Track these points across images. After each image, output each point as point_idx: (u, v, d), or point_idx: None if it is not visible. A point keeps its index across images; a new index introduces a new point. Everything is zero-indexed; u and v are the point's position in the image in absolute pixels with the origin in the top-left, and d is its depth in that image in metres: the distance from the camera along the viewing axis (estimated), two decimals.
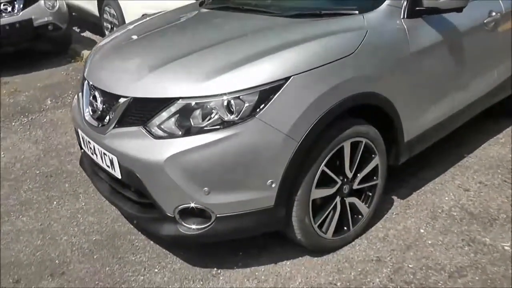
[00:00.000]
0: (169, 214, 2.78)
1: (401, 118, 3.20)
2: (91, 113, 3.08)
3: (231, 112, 2.61)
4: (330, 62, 2.78)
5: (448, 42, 3.43)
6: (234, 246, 3.24)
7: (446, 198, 3.63)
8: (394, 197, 3.67)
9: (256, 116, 2.60)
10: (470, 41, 3.63)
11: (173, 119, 2.65)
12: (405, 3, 3.19)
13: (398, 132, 3.24)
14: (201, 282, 3.03)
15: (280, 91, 2.63)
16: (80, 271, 3.22)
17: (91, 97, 3.09)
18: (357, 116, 3.02)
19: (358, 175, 3.14)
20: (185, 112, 2.65)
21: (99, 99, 3.00)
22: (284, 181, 2.72)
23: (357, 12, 3.16)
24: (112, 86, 2.95)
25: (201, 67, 2.79)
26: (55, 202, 3.96)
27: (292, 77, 2.66)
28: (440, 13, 3.21)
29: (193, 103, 2.63)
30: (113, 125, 2.84)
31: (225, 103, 2.61)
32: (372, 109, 3.07)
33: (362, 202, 3.25)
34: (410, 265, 3.04)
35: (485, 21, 3.72)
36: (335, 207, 3.07)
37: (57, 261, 3.35)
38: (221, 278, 3.04)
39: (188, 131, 2.64)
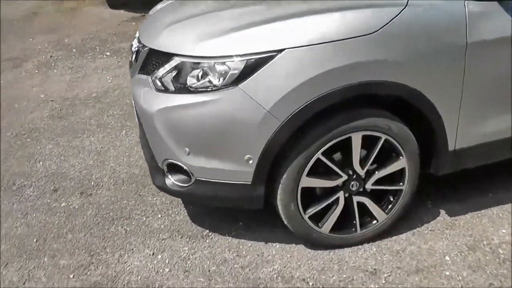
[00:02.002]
0: (160, 166, 2.79)
1: (444, 122, 2.71)
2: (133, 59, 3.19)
3: (220, 78, 2.48)
4: (338, 40, 2.43)
5: None
6: (241, 214, 3.19)
7: (503, 231, 3.04)
8: (442, 212, 3.18)
9: (239, 86, 2.44)
10: None
11: (170, 75, 2.63)
12: None
13: (438, 137, 2.76)
14: (187, 240, 3.03)
15: (269, 63, 2.42)
16: (103, 197, 3.44)
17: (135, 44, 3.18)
18: (386, 109, 2.69)
19: (374, 174, 2.75)
20: (179, 70, 2.60)
21: (135, 46, 3.08)
22: (263, 159, 2.54)
23: None
24: (143, 36, 3.03)
25: (199, 29, 2.70)
26: (124, 131, 4.22)
27: (285, 50, 2.41)
28: None
29: (186, 62, 2.57)
30: (137, 71, 2.91)
31: (214, 67, 2.48)
32: (406, 104, 2.65)
33: (381, 206, 2.88)
34: None
35: None
36: (336, 202, 2.76)
37: (93, 183, 3.61)
38: (207, 241, 3.00)
39: (179, 89, 2.60)
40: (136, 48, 3.01)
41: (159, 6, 3.54)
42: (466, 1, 2.58)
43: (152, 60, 2.79)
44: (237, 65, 2.44)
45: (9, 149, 4.09)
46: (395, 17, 2.48)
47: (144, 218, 3.23)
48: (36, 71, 5.59)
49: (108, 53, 5.86)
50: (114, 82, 5.18)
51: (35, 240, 3.10)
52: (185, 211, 3.26)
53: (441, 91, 2.65)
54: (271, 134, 2.47)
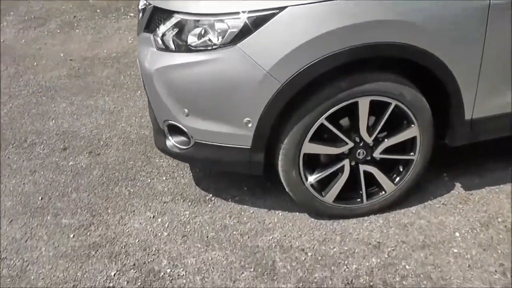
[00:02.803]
0: (161, 127, 2.72)
1: (460, 89, 2.54)
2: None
3: (219, 36, 2.37)
4: None
5: None
6: (247, 179, 3.10)
7: None
8: (458, 185, 3.03)
9: (237, 45, 2.32)
10: None
11: (171, 33, 2.53)
12: None
13: (453, 105, 2.59)
14: (189, 203, 2.98)
15: (270, 21, 2.29)
16: (111, 157, 3.42)
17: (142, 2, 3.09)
18: (399, 73, 2.54)
19: (383, 142, 2.61)
20: (181, 28, 2.50)
21: (142, 3, 2.99)
22: (262, 123, 2.44)
23: None
24: None
25: None
26: (139, 92, 4.16)
27: (288, 8, 2.27)
28: None
29: (186, 19, 2.47)
30: (142, 29, 2.82)
31: (213, 25, 2.37)
32: (419, 68, 2.49)
33: (390, 176, 2.75)
34: (408, 266, 2.54)
35: None
36: (341, 171, 2.64)
37: (102, 142, 3.58)
38: (209, 206, 2.94)
39: (179, 47, 2.50)
40: (143, 6, 2.91)
41: None
42: None
43: (155, 18, 2.69)
44: (236, 23, 2.32)
45: (25, 106, 4.09)
46: None
47: (149, 180, 3.17)
48: (58, 31, 5.56)
49: (132, 14, 5.78)
50: (135, 43, 5.10)
51: (40, 198, 3.09)
52: (191, 174, 3.19)
53: (459, 56, 2.48)
54: (271, 97, 2.36)
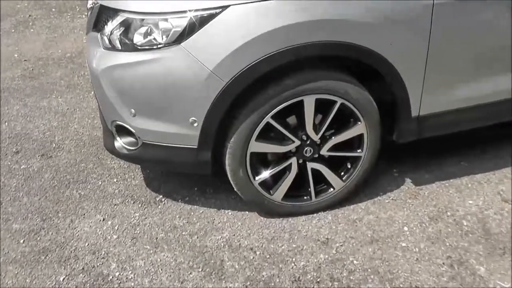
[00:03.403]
0: (109, 127, 2.71)
1: (407, 86, 2.59)
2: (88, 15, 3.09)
3: (163, 35, 2.37)
4: None
5: None
6: (197, 179, 3.13)
7: (470, 202, 2.94)
8: (408, 180, 3.09)
9: (181, 44, 2.33)
10: None
11: (117, 32, 2.52)
12: None
13: (400, 103, 2.65)
14: (140, 205, 2.98)
15: (213, 21, 2.31)
16: (63, 160, 3.40)
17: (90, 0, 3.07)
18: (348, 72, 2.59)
19: (330, 140, 2.65)
20: (126, 27, 2.50)
21: (90, 2, 2.97)
22: (207, 122, 2.45)
23: None
24: None
25: None
26: (92, 93, 4.10)
27: (230, 7, 2.29)
28: None
29: (132, 18, 2.47)
30: (91, 28, 2.81)
31: (158, 24, 2.37)
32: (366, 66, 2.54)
33: (338, 173, 2.79)
34: (356, 261, 2.58)
35: None
36: (288, 169, 2.67)
37: (54, 145, 3.55)
38: (159, 207, 2.94)
39: (126, 47, 2.50)
40: (91, 5, 2.90)
41: None
42: None
43: (103, 17, 2.69)
44: (180, 22, 2.33)
45: None
46: None
47: (100, 182, 3.16)
48: (13, 30, 5.50)
49: (87, 13, 5.72)
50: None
51: None
52: (142, 175, 3.19)
53: (403, 54, 2.53)
54: (216, 96, 2.38)
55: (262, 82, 2.41)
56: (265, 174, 2.69)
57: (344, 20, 2.36)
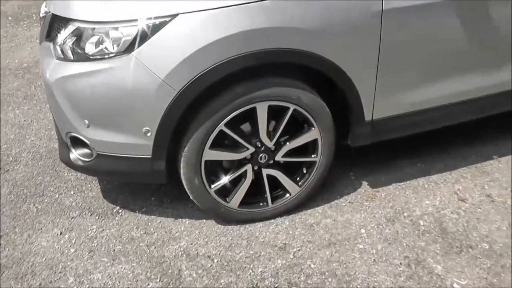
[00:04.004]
0: (64, 139, 2.71)
1: (359, 92, 2.65)
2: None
3: (114, 44, 2.39)
4: (235, 5, 2.35)
5: (458, 5, 2.71)
6: (154, 189, 3.16)
7: (427, 202, 3.01)
8: (365, 183, 3.15)
9: (132, 53, 2.35)
10: (502, 8, 2.82)
11: (69, 41, 2.53)
12: None
13: (353, 108, 2.71)
14: (97, 217, 2.98)
15: (162, 29, 2.33)
16: (20, 173, 3.38)
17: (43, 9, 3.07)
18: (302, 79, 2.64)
19: (284, 146, 2.70)
20: (78, 36, 2.51)
21: (43, 11, 2.97)
22: (161, 132, 2.48)
23: None
24: (49, 0, 2.92)
25: None
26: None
27: (180, 15, 2.32)
28: None
29: (83, 27, 2.48)
30: (44, 38, 2.81)
31: (108, 33, 2.39)
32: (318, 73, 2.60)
33: (294, 178, 2.84)
34: (313, 265, 2.63)
35: None
36: (244, 176, 2.71)
37: (11, 158, 3.54)
38: (116, 218, 2.95)
39: (78, 56, 2.52)
40: (44, 14, 2.90)
41: None
42: None
43: (55, 26, 2.69)
44: (130, 31, 2.36)
45: None
46: None
47: (57, 195, 3.16)
48: None
49: (40, 22, 5.69)
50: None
51: None
52: (99, 187, 3.19)
53: (355, 60, 2.60)
54: (168, 105, 2.41)
55: (214, 90, 2.44)
56: (221, 182, 2.71)
57: (294, 27, 2.41)
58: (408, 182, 3.19)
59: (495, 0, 2.74)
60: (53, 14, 2.69)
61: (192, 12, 2.33)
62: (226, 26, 2.34)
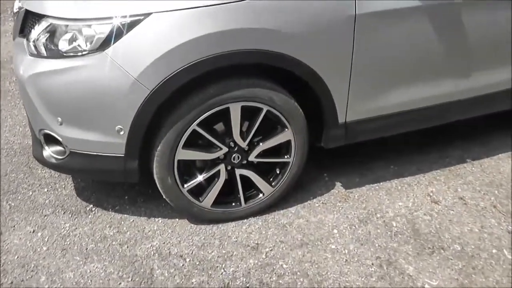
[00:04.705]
0: (37, 136, 2.72)
1: (332, 94, 2.71)
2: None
3: (87, 42, 2.42)
4: (208, 6, 2.39)
5: (431, 11, 2.78)
6: (128, 187, 3.19)
7: (400, 204, 3.08)
8: (338, 184, 3.21)
9: (105, 51, 2.38)
10: (476, 16, 2.91)
11: (42, 38, 2.55)
12: None
13: (326, 110, 2.77)
14: (70, 215, 3.00)
15: (136, 28, 2.37)
16: None
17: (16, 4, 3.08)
18: (272, 78, 2.70)
19: (258, 146, 2.75)
20: (51, 32, 2.53)
21: (16, 6, 2.98)
22: (134, 130, 2.51)
23: None
24: None
25: None
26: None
27: (153, 14, 2.36)
28: None
29: (57, 24, 2.50)
30: (17, 33, 2.82)
31: (82, 31, 2.41)
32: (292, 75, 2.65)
33: (268, 179, 2.90)
34: (285, 265, 2.68)
35: None
36: (217, 176, 2.75)
37: None
38: (89, 217, 2.98)
39: (51, 53, 2.53)
40: (17, 9, 2.92)
41: None
42: None
43: (29, 22, 2.71)
44: (103, 28, 2.39)
45: None
46: None
47: (31, 193, 3.18)
48: None
49: (13, 18, 5.69)
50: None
51: None
52: (73, 184, 3.22)
53: (328, 63, 2.65)
54: (140, 104, 2.44)
55: (187, 89, 2.48)
56: (194, 181, 2.75)
57: (267, 29, 2.46)
58: (381, 183, 3.25)
59: (467, 6, 2.79)
60: (26, 10, 2.70)
61: (165, 11, 2.37)
62: (199, 26, 2.38)
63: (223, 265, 2.65)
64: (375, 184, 3.24)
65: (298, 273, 2.62)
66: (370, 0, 2.61)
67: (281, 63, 2.55)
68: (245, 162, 2.80)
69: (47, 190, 3.20)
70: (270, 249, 2.75)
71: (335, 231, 2.87)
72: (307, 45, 2.56)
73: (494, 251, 2.75)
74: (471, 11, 2.85)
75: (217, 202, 2.83)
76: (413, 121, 3.06)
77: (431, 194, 3.16)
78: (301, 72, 2.60)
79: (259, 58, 2.51)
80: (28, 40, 2.63)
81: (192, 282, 2.56)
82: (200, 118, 2.56)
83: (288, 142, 2.81)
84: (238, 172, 2.79)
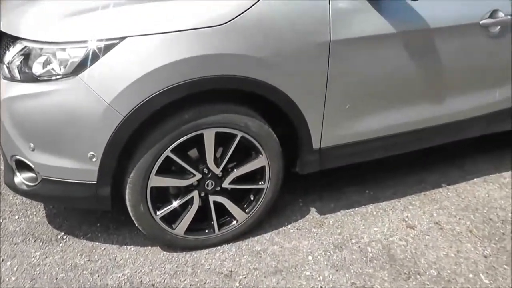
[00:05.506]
0: (9, 162, 2.72)
1: (306, 120, 2.76)
2: None
3: (61, 66, 2.43)
4: (184, 30, 2.43)
5: (406, 38, 2.86)
6: (101, 214, 3.18)
7: (375, 229, 3.11)
8: (313, 210, 3.25)
9: (79, 75, 2.39)
10: (447, 43, 2.98)
11: (17, 61, 2.56)
12: None
13: (301, 136, 2.81)
14: (41, 243, 2.98)
15: (110, 52, 2.38)
16: None
17: None
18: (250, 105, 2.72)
19: (232, 173, 2.77)
20: (26, 56, 2.53)
21: None
22: (106, 157, 2.51)
23: None
24: None
25: (46, 11, 2.64)
26: None
27: (127, 38, 2.38)
28: None
29: (31, 47, 2.50)
30: None
31: (56, 54, 2.43)
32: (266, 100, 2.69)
33: (241, 205, 2.92)
34: None
35: (481, 22, 3.00)
36: (190, 202, 2.77)
37: None
38: (60, 245, 2.96)
39: (25, 77, 2.53)
40: None
41: None
42: None
43: (4, 44, 2.71)
44: (78, 52, 2.40)
45: None
46: (247, 9, 2.49)
47: (1, 220, 3.16)
48: None
49: None
50: None
51: None
52: (44, 211, 3.20)
53: (303, 89, 2.70)
54: (114, 130, 2.45)
55: (160, 115, 2.50)
56: (166, 208, 2.76)
57: (242, 55, 2.50)
58: (356, 208, 3.29)
59: (441, 32, 2.87)
60: (1, 31, 2.70)
61: (140, 35, 2.39)
62: (175, 51, 2.41)
63: None
64: (350, 209, 3.28)
65: None
66: (344, 26, 2.63)
67: (255, 89, 2.59)
68: (218, 188, 2.81)
69: (18, 217, 3.18)
70: (244, 276, 2.76)
71: (310, 257, 2.89)
72: (282, 72, 2.61)
73: (470, 275, 2.79)
74: (444, 38, 2.91)
75: (190, 229, 2.84)
76: (388, 147, 3.11)
77: (406, 219, 3.20)
78: (275, 98, 2.64)
79: (234, 84, 2.54)
80: (2, 62, 2.62)
81: None
82: (174, 144, 2.58)
83: (263, 168, 2.83)
84: (212, 198, 2.80)
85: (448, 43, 2.95)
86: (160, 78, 2.40)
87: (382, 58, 2.83)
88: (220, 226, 2.89)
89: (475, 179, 3.68)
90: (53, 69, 2.44)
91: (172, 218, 2.81)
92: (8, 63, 2.57)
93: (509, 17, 3.08)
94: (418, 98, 3.02)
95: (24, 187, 2.73)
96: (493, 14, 3.04)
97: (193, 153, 2.75)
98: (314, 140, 2.83)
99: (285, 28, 2.58)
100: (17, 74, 2.54)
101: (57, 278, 2.74)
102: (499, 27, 3.06)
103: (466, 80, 3.14)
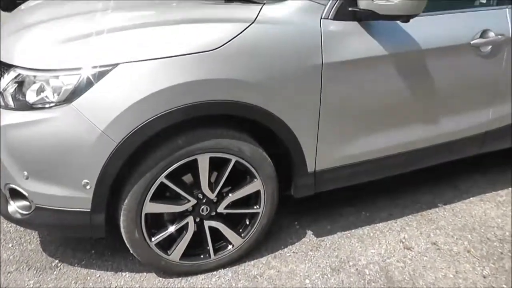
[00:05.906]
0: (2, 191, 2.73)
1: (301, 143, 2.77)
2: None
3: (55, 93, 2.45)
4: (176, 56, 2.45)
5: (398, 60, 2.90)
6: (95, 241, 3.17)
7: (372, 251, 3.12)
8: (309, 232, 3.25)
9: (72, 103, 2.41)
10: (439, 64, 3.03)
11: (11, 89, 2.56)
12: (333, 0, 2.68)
13: (295, 159, 2.82)
14: (35, 272, 2.97)
15: (103, 79, 2.40)
16: None
17: None
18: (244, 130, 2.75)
19: (227, 197, 2.79)
20: (20, 83, 2.55)
21: None
22: (100, 184, 2.52)
23: (265, 1, 2.73)
24: None
25: (39, 38, 2.65)
26: None
27: (120, 65, 2.40)
28: (379, 19, 2.67)
29: (25, 74, 2.52)
30: None
31: (49, 82, 2.45)
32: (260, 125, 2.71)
33: (237, 230, 2.92)
34: None
35: (472, 42, 3.04)
36: (185, 228, 2.77)
37: None
38: (55, 273, 2.95)
39: (19, 105, 2.53)
40: None
41: (22, 6, 3.47)
42: (322, 20, 2.65)
43: None
44: (71, 80, 2.42)
45: None
46: (239, 33, 2.52)
47: None
48: None
49: None
50: None
51: None
52: (38, 239, 3.19)
53: (296, 113, 2.72)
54: (107, 157, 2.46)
55: (154, 141, 2.51)
56: (161, 234, 2.76)
57: (236, 79, 2.52)
58: (353, 230, 3.30)
59: (433, 53, 2.91)
60: None
61: (133, 62, 2.41)
62: (168, 77, 2.43)
63: None
64: (347, 231, 3.28)
65: None
66: (336, 49, 2.66)
67: (249, 113, 2.61)
68: (214, 213, 2.82)
69: (12, 245, 3.17)
70: None
71: (307, 281, 2.89)
72: (275, 95, 2.63)
73: None
74: (436, 58, 2.95)
75: (185, 255, 2.84)
76: (383, 168, 3.13)
77: (403, 240, 3.21)
78: (269, 122, 2.66)
79: (228, 108, 2.56)
80: None
81: None
82: (168, 170, 2.58)
83: (258, 192, 2.84)
84: (207, 224, 2.81)
85: (440, 64, 2.98)
86: (153, 104, 2.42)
87: (375, 79, 2.85)
88: (216, 251, 2.89)
89: (471, 198, 3.70)
90: (46, 96, 2.45)
91: (167, 244, 2.81)
92: (2, 91, 2.57)
93: (499, 36, 3.10)
94: (411, 119, 3.05)
95: (18, 216, 2.73)
96: (483, 34, 3.07)
97: (188, 178, 2.75)
98: (309, 163, 2.85)
99: (277, 52, 2.60)
100: (11, 102, 2.54)
101: None
102: (490, 46, 3.09)
103: (459, 100, 3.18)
